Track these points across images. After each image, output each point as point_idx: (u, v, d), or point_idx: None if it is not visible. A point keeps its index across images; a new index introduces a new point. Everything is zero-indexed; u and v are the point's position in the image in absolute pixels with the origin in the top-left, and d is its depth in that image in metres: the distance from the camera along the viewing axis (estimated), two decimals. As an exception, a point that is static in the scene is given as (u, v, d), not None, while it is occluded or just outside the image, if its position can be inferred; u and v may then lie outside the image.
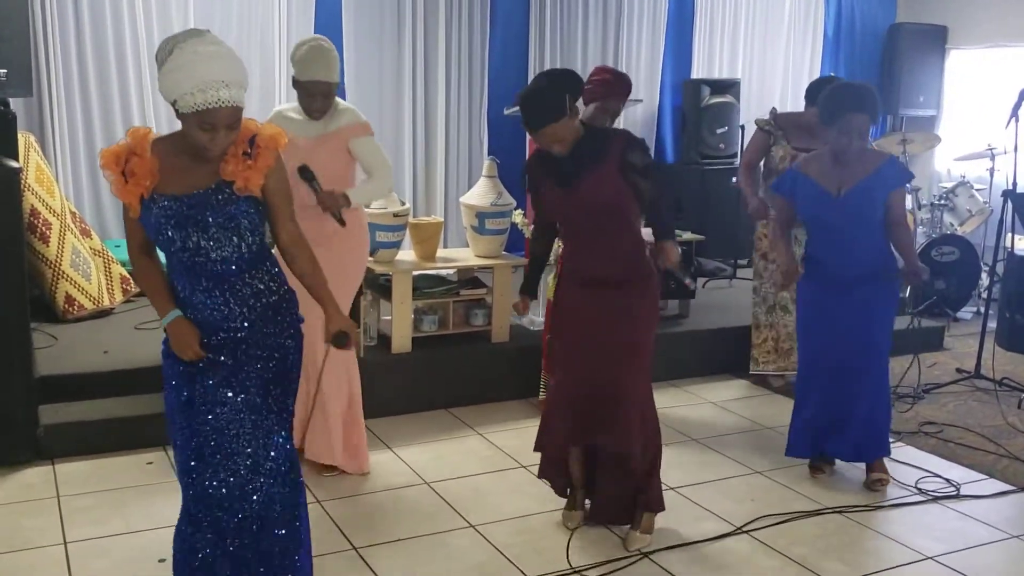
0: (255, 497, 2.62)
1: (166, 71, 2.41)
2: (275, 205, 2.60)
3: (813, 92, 4.87)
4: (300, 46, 3.76)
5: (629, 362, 3.39)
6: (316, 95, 3.73)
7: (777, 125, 5.03)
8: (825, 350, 3.96)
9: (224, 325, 2.57)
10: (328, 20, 6.65)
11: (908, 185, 4.30)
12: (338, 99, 3.89)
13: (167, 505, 3.63)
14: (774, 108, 5.30)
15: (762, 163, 5.15)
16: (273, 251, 2.72)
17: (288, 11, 6.54)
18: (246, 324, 2.58)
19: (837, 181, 3.83)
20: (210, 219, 2.47)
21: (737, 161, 7.58)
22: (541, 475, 3.67)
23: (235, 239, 2.51)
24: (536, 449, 3.63)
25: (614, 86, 4.27)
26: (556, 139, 3.19)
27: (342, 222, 3.60)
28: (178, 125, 2.51)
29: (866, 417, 3.97)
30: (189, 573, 2.66)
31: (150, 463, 4.05)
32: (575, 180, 3.25)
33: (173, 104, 2.41)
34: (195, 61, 2.37)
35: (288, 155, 3.53)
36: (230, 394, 2.59)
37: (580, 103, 3.30)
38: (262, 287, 2.60)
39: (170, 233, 2.47)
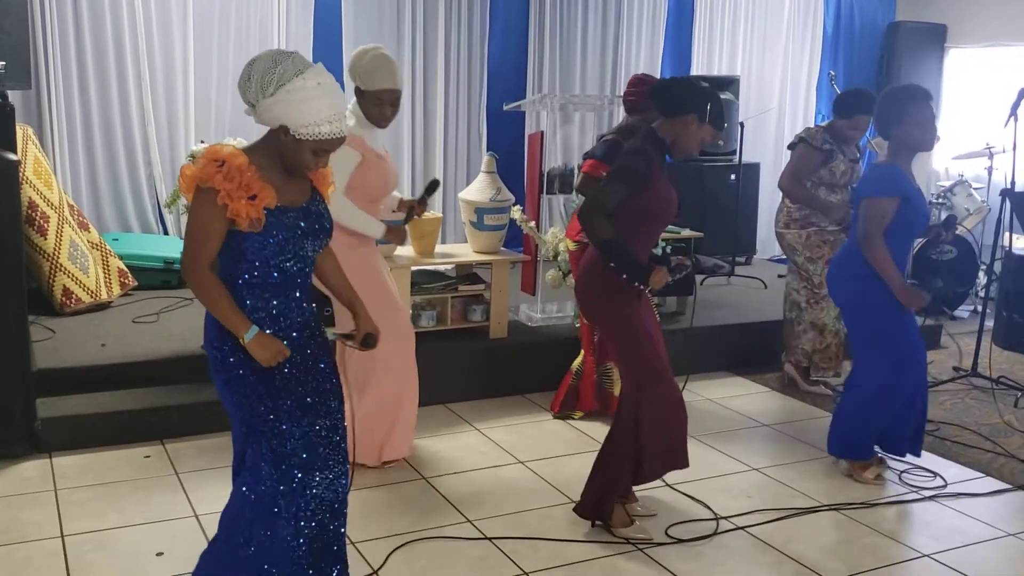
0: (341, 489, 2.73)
1: (288, 100, 2.42)
2: None
3: (845, 104, 4.86)
4: (363, 55, 3.76)
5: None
6: (386, 103, 3.76)
7: (833, 143, 4.93)
8: (912, 352, 3.96)
9: (308, 333, 2.64)
10: (328, 17, 6.65)
11: None
12: None
13: (164, 499, 3.65)
14: (819, 126, 5.16)
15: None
16: None
17: (287, 7, 6.53)
18: (313, 324, 2.67)
19: (913, 179, 3.88)
20: (316, 228, 2.59)
21: (736, 158, 7.57)
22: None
23: (323, 245, 2.65)
24: (634, 483, 3.56)
25: None
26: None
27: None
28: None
29: (923, 410, 4.09)
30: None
31: (147, 456, 4.05)
32: (672, 182, 3.40)
33: (283, 127, 2.44)
34: (321, 93, 2.43)
35: (382, 168, 3.82)
36: (318, 400, 2.65)
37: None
38: (311, 289, 2.71)
39: (293, 246, 2.52)
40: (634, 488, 3.68)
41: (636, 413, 3.38)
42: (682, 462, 3.56)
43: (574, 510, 3.57)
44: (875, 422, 4.03)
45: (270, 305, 2.55)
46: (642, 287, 3.32)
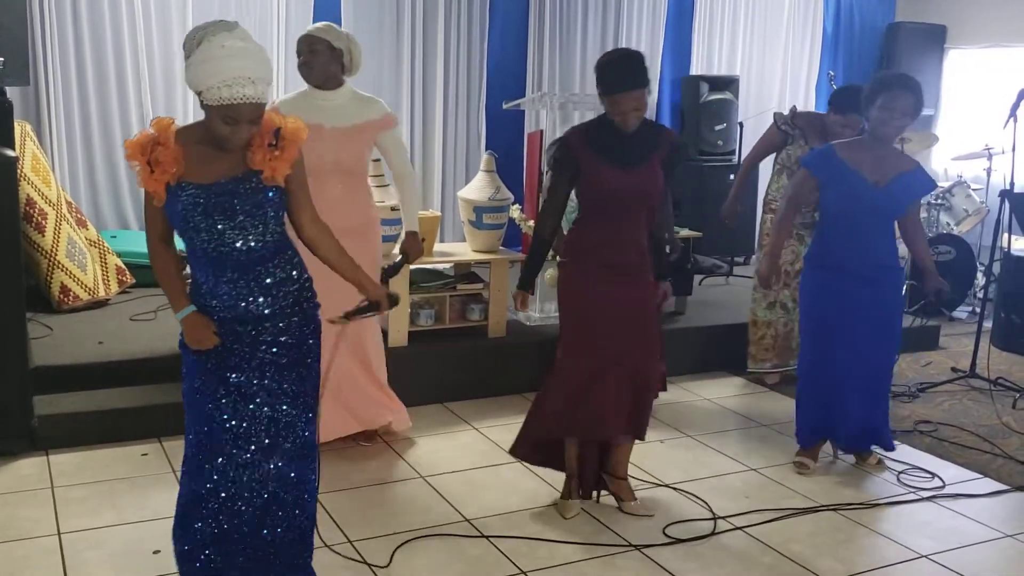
0: (268, 483, 2.66)
1: (193, 62, 2.42)
2: (297, 196, 2.66)
3: (841, 99, 4.81)
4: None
5: (652, 350, 3.54)
6: (307, 52, 3.86)
7: (796, 124, 5.01)
8: (839, 342, 3.92)
9: (247, 314, 2.60)
10: (327, 16, 6.62)
11: None
12: (358, 89, 3.99)
13: (162, 497, 3.63)
14: (795, 107, 5.26)
15: (774, 159, 5.13)
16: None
17: (287, 4, 6.53)
18: (267, 311, 2.61)
19: (877, 172, 3.81)
20: (237, 207, 2.51)
21: (736, 159, 7.58)
22: (529, 461, 3.78)
23: (260, 227, 2.55)
24: (529, 440, 3.67)
25: None
26: (637, 107, 3.31)
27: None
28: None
29: (869, 410, 4.02)
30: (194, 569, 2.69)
31: (145, 454, 4.05)
32: (636, 165, 3.37)
33: (198, 94, 2.43)
34: (223, 56, 2.39)
35: (314, 143, 3.60)
36: (243, 380, 2.62)
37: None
38: (283, 275, 2.64)
39: (198, 221, 2.49)
40: (633, 489, 3.70)
41: (560, 377, 3.55)
42: (599, 433, 3.58)
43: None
44: (803, 407, 4.12)
45: (199, 280, 2.60)
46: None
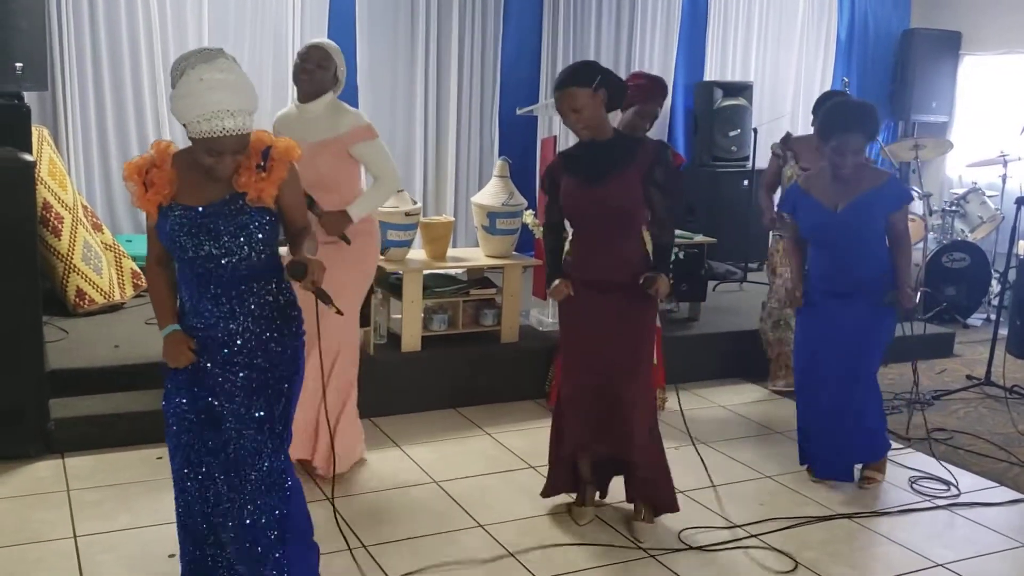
0: (236, 509, 2.68)
1: (175, 96, 2.46)
2: (291, 217, 2.67)
3: (818, 107, 4.88)
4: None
5: (634, 368, 3.44)
6: (295, 67, 3.82)
7: (786, 148, 5.12)
8: (821, 360, 3.96)
9: (225, 334, 2.62)
10: (342, 20, 6.65)
11: (918, 194, 4.31)
12: (341, 102, 3.90)
13: (176, 500, 3.65)
14: (788, 133, 5.36)
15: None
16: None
17: (302, 9, 6.55)
18: (246, 334, 2.62)
19: (835, 197, 3.86)
20: (222, 228, 2.54)
21: (749, 164, 7.57)
22: (551, 493, 3.72)
23: (245, 248, 2.56)
24: (552, 466, 3.68)
25: (650, 90, 4.37)
26: (575, 107, 3.27)
27: (346, 240, 3.66)
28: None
29: (854, 426, 3.98)
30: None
31: (160, 458, 4.05)
32: (601, 180, 3.31)
33: (184, 126, 2.47)
34: (202, 89, 2.40)
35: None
36: (215, 403, 2.66)
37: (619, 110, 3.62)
38: (270, 298, 2.65)
39: (183, 240, 2.54)
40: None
41: (564, 395, 3.59)
42: (585, 449, 3.59)
43: (661, 511, 3.67)
44: (802, 431, 4.16)
45: (184, 299, 2.66)
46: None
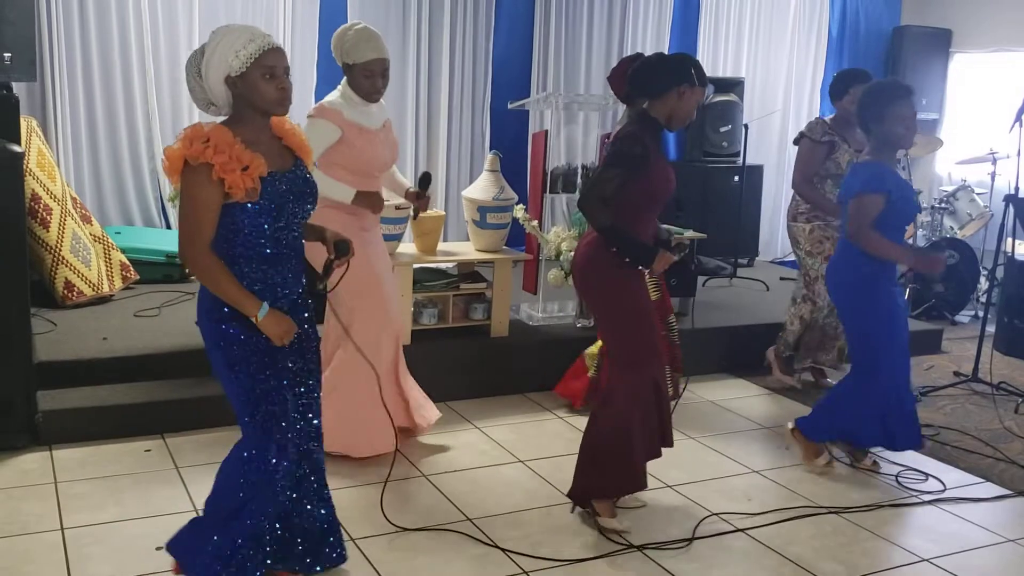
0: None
1: (211, 52, 2.52)
2: None
3: (845, 80, 4.94)
4: (346, 31, 3.82)
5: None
6: (376, 75, 3.78)
7: (836, 132, 4.97)
8: (899, 343, 4.02)
9: (295, 298, 2.71)
10: (333, 14, 6.64)
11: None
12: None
13: (164, 493, 3.65)
14: (820, 118, 5.21)
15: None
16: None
17: (293, 3, 6.53)
18: (300, 291, 2.74)
19: (905, 177, 3.91)
20: (308, 192, 2.66)
21: (740, 160, 7.57)
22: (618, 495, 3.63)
23: (313, 208, 2.71)
24: (632, 475, 3.56)
25: None
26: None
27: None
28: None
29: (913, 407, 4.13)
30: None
31: (148, 451, 4.05)
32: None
33: (228, 79, 2.52)
34: (233, 27, 2.58)
35: (364, 144, 3.80)
36: (300, 365, 2.78)
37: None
38: (303, 260, 2.77)
39: (290, 206, 2.58)
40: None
41: (632, 394, 3.43)
42: (668, 443, 3.64)
43: (568, 494, 3.63)
44: (857, 408, 4.06)
45: (267, 276, 2.60)
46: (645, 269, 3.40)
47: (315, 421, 2.85)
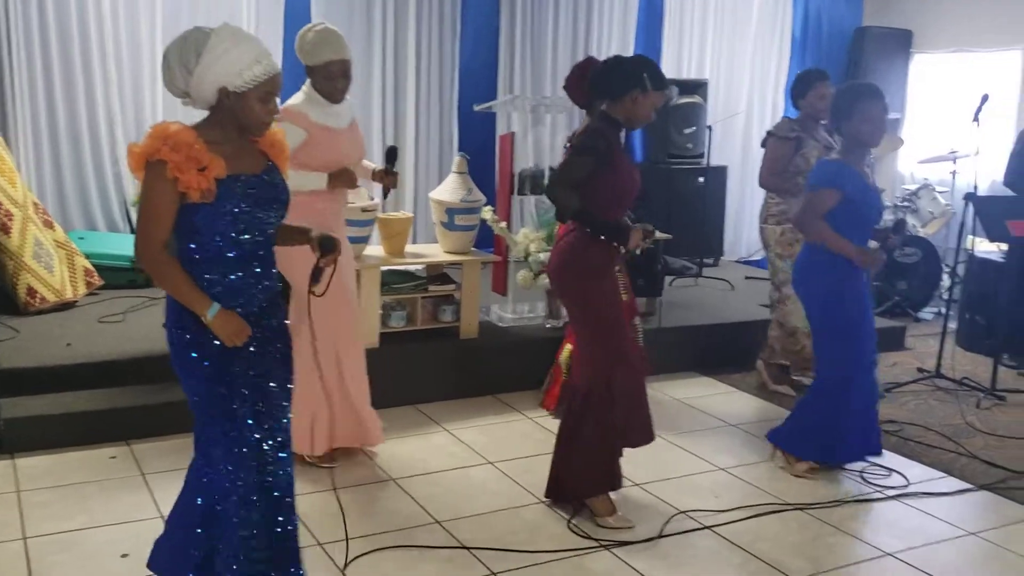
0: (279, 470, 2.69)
1: (213, 59, 2.43)
2: None
3: (806, 78, 5.06)
4: (306, 33, 3.82)
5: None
6: (336, 76, 3.77)
7: (803, 128, 5.02)
8: (869, 346, 4.05)
9: (263, 306, 2.63)
10: (297, 16, 6.60)
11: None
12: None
13: (129, 500, 3.61)
14: (787, 117, 5.28)
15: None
16: None
17: (257, 5, 6.49)
18: (265, 305, 2.64)
19: (868, 175, 3.97)
20: (274, 197, 2.59)
21: (704, 161, 7.63)
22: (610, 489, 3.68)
23: (282, 213, 2.64)
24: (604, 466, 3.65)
25: None
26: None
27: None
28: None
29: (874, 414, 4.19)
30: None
31: (113, 457, 4.01)
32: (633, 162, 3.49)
33: (219, 91, 2.45)
34: (239, 41, 2.46)
35: (333, 143, 3.79)
36: (276, 383, 2.67)
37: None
38: (274, 269, 2.69)
39: (249, 209, 2.51)
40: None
41: (609, 396, 3.49)
42: (650, 436, 3.70)
43: (547, 494, 3.70)
44: (832, 423, 4.06)
45: (228, 280, 2.54)
46: (621, 250, 3.46)
47: (278, 438, 2.65)
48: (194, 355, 2.54)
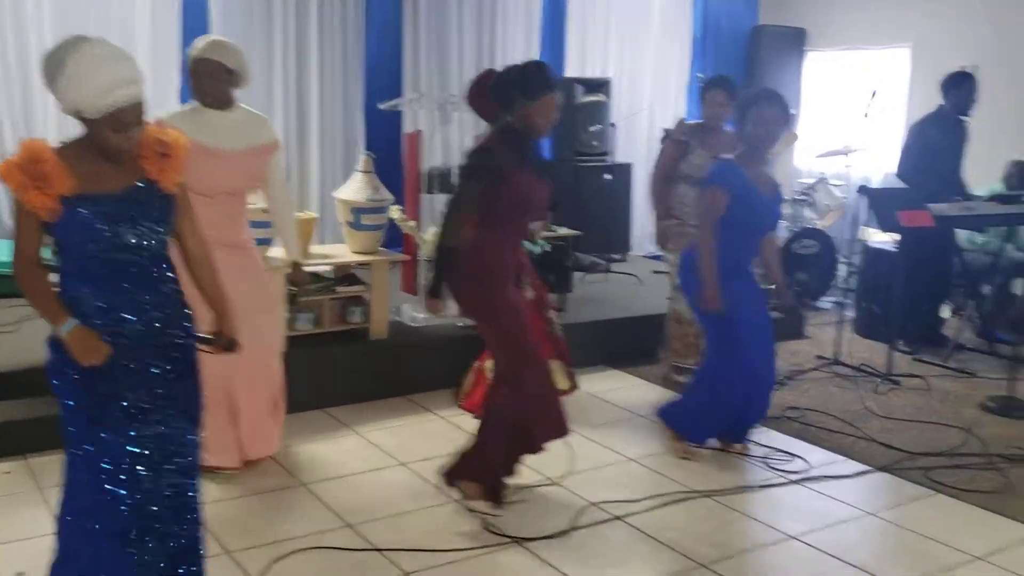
0: (168, 493, 2.61)
1: (64, 82, 2.36)
2: (184, 206, 2.66)
3: (703, 86, 5.20)
4: (199, 41, 3.75)
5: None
6: (201, 75, 3.67)
7: (692, 134, 5.12)
8: (760, 345, 4.16)
9: (141, 326, 2.52)
10: (195, 17, 6.44)
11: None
12: (250, 108, 3.89)
13: (27, 516, 3.48)
14: (684, 120, 5.40)
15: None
16: None
17: (152, 5, 6.31)
18: (157, 325, 2.55)
19: (759, 180, 4.05)
20: (138, 214, 2.48)
21: (609, 159, 7.73)
22: (495, 499, 3.70)
23: (160, 234, 2.54)
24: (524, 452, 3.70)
25: None
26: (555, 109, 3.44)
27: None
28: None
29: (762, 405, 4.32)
30: None
31: (8, 472, 3.86)
32: (540, 172, 3.49)
33: (77, 114, 2.38)
34: (96, 64, 2.35)
35: (211, 165, 3.62)
36: (137, 399, 2.54)
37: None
38: (173, 285, 2.60)
39: (101, 229, 2.42)
40: (516, 484, 3.75)
41: (521, 392, 3.52)
42: (564, 430, 3.69)
43: (444, 474, 3.72)
44: (718, 410, 4.24)
45: (107, 298, 2.49)
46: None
47: (166, 466, 2.56)
48: (66, 372, 2.50)
